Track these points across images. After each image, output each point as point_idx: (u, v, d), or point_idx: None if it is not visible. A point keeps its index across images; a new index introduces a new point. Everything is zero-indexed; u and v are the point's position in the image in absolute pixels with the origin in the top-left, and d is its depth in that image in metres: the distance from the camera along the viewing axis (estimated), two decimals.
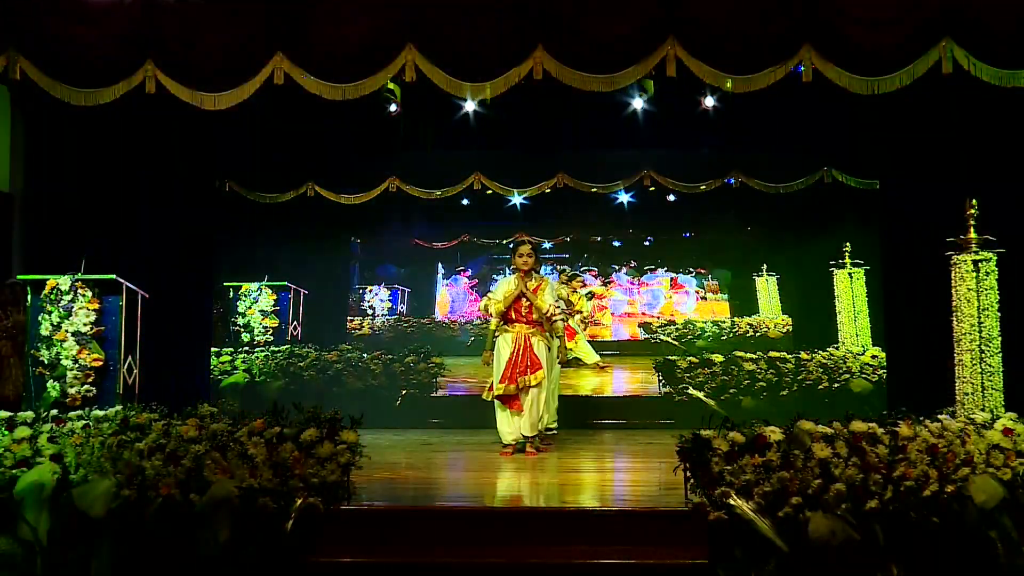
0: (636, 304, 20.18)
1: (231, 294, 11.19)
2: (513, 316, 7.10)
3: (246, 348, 10.64)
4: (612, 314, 18.44)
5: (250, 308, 11.13)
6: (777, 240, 14.43)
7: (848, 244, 10.49)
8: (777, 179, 9.94)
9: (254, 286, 11.15)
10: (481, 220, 14.30)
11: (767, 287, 17.15)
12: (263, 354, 10.04)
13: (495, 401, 7.08)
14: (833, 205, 10.38)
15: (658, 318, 18.40)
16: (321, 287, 12.31)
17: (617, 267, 20.92)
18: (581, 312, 12.75)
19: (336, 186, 10.15)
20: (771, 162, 9.88)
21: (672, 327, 15.91)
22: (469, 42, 6.27)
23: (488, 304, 7.23)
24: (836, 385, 8.83)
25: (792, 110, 7.93)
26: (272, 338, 11.03)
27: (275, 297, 11.22)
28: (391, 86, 7.03)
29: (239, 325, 11.10)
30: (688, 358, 9.47)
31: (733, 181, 10.10)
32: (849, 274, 10.48)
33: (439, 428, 8.71)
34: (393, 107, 8.17)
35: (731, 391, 8.88)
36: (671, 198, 11.59)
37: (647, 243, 19.72)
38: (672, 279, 20.84)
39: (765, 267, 17.08)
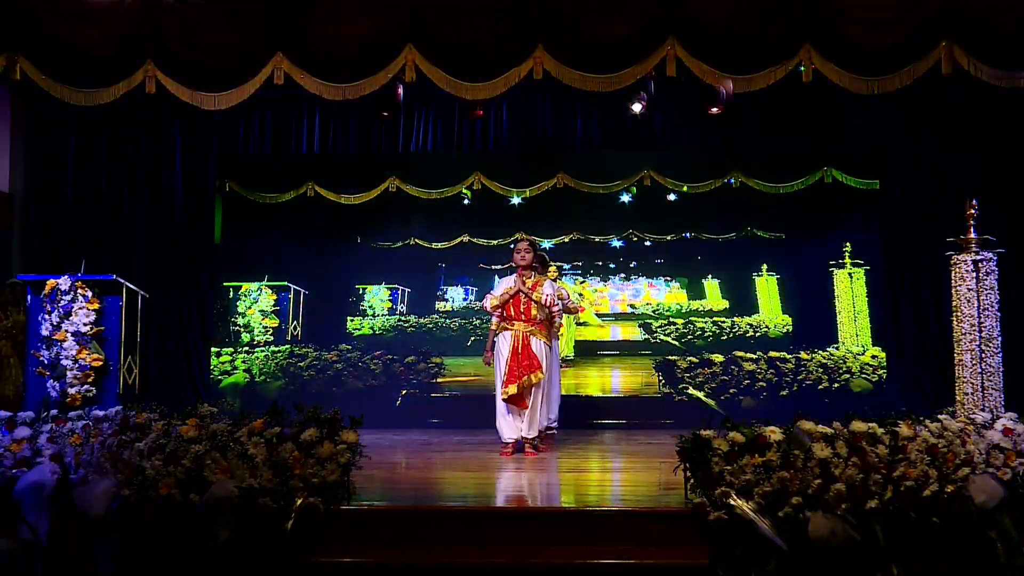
0: (623, 301, 20.21)
1: (231, 294, 11.19)
2: (512, 313, 7.10)
3: (246, 348, 10.65)
4: (597, 316, 18.44)
5: (250, 308, 11.13)
6: (777, 240, 14.42)
7: (848, 244, 10.50)
8: (777, 179, 9.94)
9: (254, 286, 11.16)
10: (481, 220, 14.29)
11: (767, 287, 17.14)
12: (263, 354, 10.06)
13: (498, 400, 7.07)
14: (833, 205, 10.38)
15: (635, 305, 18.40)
16: (321, 287, 12.31)
17: (614, 266, 20.90)
18: (579, 309, 12.73)
19: (336, 186, 10.15)
20: (771, 162, 9.88)
21: (672, 327, 15.90)
22: (469, 42, 6.27)
23: (488, 301, 7.25)
24: (836, 385, 8.84)
25: (792, 110, 7.94)
26: (272, 338, 11.04)
27: (275, 297, 11.23)
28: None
29: (239, 325, 11.10)
30: (688, 358, 9.48)
31: (733, 181, 10.10)
32: (849, 274, 10.49)
33: (439, 428, 8.71)
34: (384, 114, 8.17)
35: (731, 391, 8.89)
36: (671, 198, 11.59)
37: (648, 243, 19.70)
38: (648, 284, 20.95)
39: (765, 267, 17.07)
